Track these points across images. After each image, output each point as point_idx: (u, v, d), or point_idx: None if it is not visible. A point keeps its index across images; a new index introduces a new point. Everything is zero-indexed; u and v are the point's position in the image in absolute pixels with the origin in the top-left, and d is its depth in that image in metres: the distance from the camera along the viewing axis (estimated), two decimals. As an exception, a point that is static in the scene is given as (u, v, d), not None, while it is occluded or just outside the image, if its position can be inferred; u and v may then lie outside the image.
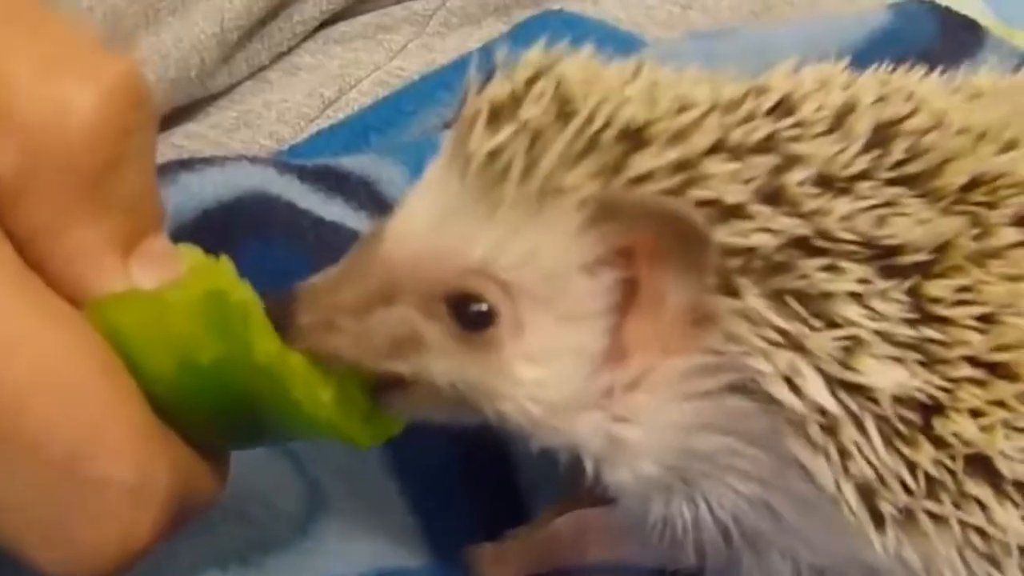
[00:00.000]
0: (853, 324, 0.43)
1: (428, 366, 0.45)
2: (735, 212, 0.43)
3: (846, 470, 0.44)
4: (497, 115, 0.44)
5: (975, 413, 0.44)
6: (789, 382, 0.43)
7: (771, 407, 0.44)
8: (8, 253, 0.40)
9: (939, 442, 0.44)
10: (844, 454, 0.43)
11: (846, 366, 0.43)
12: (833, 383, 0.43)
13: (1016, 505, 0.45)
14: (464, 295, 0.44)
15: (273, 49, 0.74)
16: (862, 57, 0.70)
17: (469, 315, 0.44)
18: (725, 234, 0.43)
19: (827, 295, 0.43)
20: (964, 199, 0.45)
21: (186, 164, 0.62)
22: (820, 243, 0.43)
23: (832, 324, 0.43)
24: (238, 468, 0.47)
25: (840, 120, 0.45)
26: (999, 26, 0.78)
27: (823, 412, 0.43)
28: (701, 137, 0.44)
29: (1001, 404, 0.44)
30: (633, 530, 0.49)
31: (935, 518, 0.44)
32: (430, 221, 0.45)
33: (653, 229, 0.43)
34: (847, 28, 0.72)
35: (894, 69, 0.49)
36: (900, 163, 0.45)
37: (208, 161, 0.63)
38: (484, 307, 0.44)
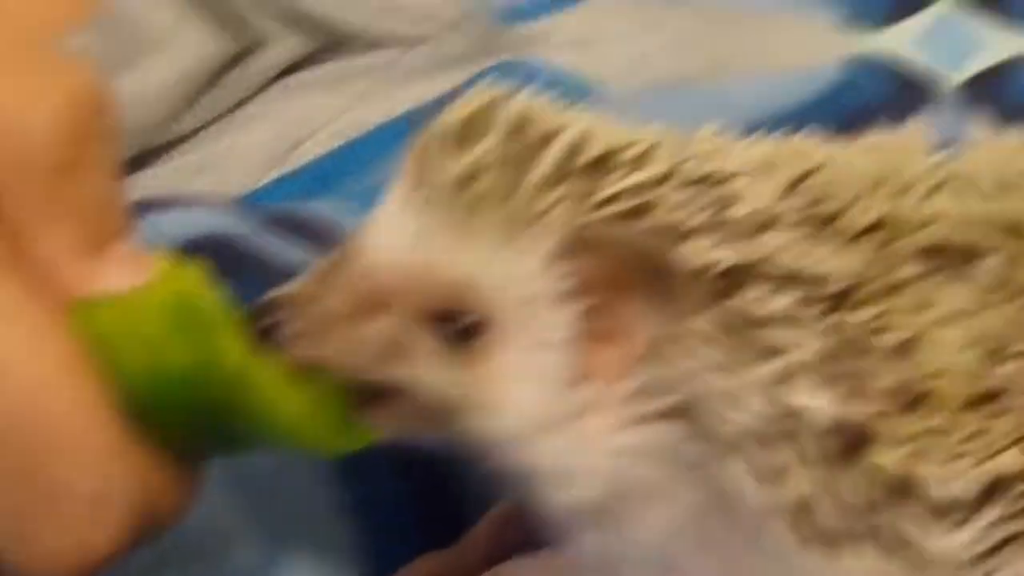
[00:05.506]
0: (788, 352, 0.44)
1: (416, 376, 0.46)
2: (689, 235, 0.44)
3: (777, 491, 0.45)
4: (462, 140, 0.45)
5: (902, 441, 0.45)
6: (724, 403, 0.44)
7: (706, 430, 0.45)
8: None
9: (861, 471, 0.45)
10: (777, 475, 0.45)
11: (781, 394, 0.44)
12: (768, 406, 0.44)
13: (946, 525, 0.46)
14: (451, 310, 0.45)
15: (235, 96, 0.75)
16: (814, 110, 0.72)
17: (456, 328, 0.45)
18: (683, 256, 0.44)
19: (767, 319, 0.44)
20: (867, 239, 0.47)
21: (150, 203, 0.62)
22: (755, 273, 0.45)
23: (770, 352, 0.44)
24: (199, 509, 0.46)
25: (760, 172, 0.47)
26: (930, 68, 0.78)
27: (756, 434, 0.44)
28: (656, 165, 0.45)
29: (932, 432, 0.45)
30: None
31: (853, 539, 0.45)
32: (408, 238, 0.46)
33: (622, 261, 0.44)
34: (800, 82, 0.74)
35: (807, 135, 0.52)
36: (810, 206, 0.47)
37: (171, 201, 0.63)
38: (472, 319, 0.45)
